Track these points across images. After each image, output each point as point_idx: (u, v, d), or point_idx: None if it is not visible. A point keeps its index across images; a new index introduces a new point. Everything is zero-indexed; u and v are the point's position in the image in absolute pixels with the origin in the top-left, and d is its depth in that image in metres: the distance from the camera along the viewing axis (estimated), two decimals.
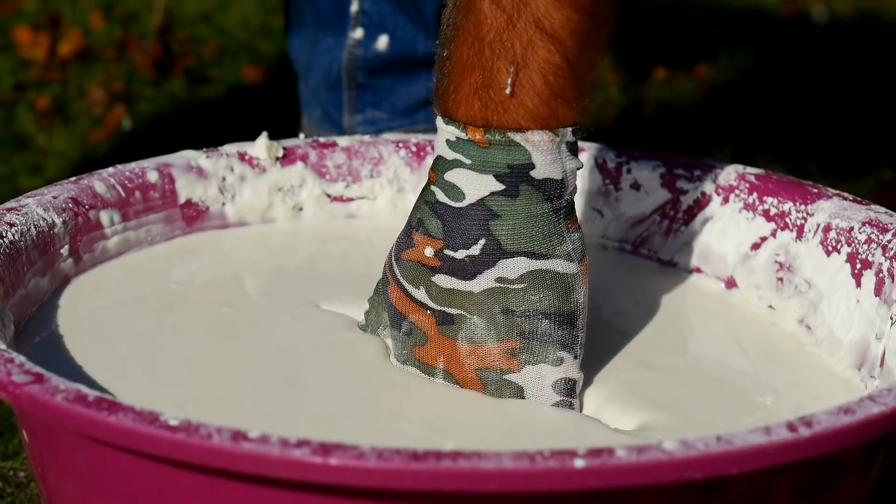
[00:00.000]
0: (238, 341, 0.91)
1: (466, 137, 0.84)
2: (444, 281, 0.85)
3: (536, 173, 0.84)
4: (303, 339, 0.91)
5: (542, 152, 0.83)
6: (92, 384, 0.84)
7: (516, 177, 0.84)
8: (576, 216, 0.86)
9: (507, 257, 0.84)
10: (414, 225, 0.87)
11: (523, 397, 0.86)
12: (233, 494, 0.71)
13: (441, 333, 0.86)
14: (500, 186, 0.84)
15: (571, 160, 0.85)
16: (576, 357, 0.86)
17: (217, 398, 0.84)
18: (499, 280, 0.85)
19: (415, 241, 0.87)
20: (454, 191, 0.85)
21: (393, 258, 0.88)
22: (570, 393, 0.86)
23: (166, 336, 0.91)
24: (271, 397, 0.84)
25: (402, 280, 0.87)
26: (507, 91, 0.82)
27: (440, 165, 0.86)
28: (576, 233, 0.86)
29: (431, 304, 0.86)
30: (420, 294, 0.86)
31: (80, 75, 1.95)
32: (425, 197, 0.87)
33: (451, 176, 0.85)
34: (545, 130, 0.83)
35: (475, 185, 0.84)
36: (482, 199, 0.84)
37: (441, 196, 0.85)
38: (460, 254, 0.85)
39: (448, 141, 0.85)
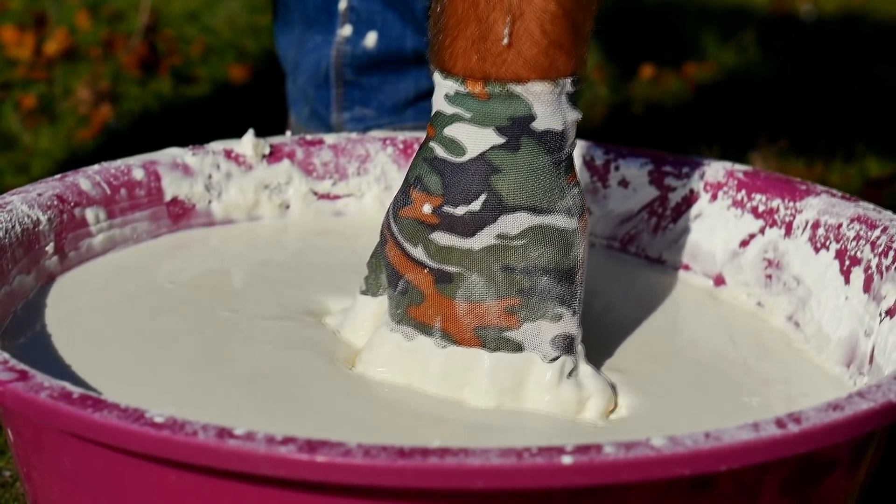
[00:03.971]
0: (228, 341, 0.90)
1: (466, 91, 0.83)
2: (442, 238, 0.84)
3: (538, 125, 0.83)
4: (291, 338, 0.91)
5: (543, 103, 0.83)
6: (82, 384, 0.83)
7: (517, 129, 0.83)
8: (575, 171, 0.85)
9: (508, 213, 0.83)
10: (412, 182, 0.86)
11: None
12: (219, 492, 0.71)
13: (439, 292, 0.85)
14: (501, 140, 0.83)
15: (572, 111, 0.84)
16: (574, 313, 0.85)
17: (212, 399, 0.83)
18: (499, 236, 0.83)
19: (412, 199, 0.85)
20: (454, 146, 0.84)
21: (390, 216, 0.87)
22: (569, 349, 0.85)
23: (156, 336, 0.90)
24: (265, 398, 0.84)
25: (399, 238, 0.86)
26: (505, 42, 0.81)
27: (439, 121, 0.84)
28: (575, 188, 0.85)
29: (429, 262, 0.85)
30: (418, 252, 0.85)
31: (66, 74, 1.94)
32: (423, 153, 0.85)
33: (451, 130, 0.84)
34: (545, 81, 0.82)
35: (475, 140, 0.83)
36: (483, 154, 0.83)
37: (440, 151, 0.84)
38: (460, 210, 0.84)
39: (447, 95, 0.84)
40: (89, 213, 0.99)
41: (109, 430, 0.70)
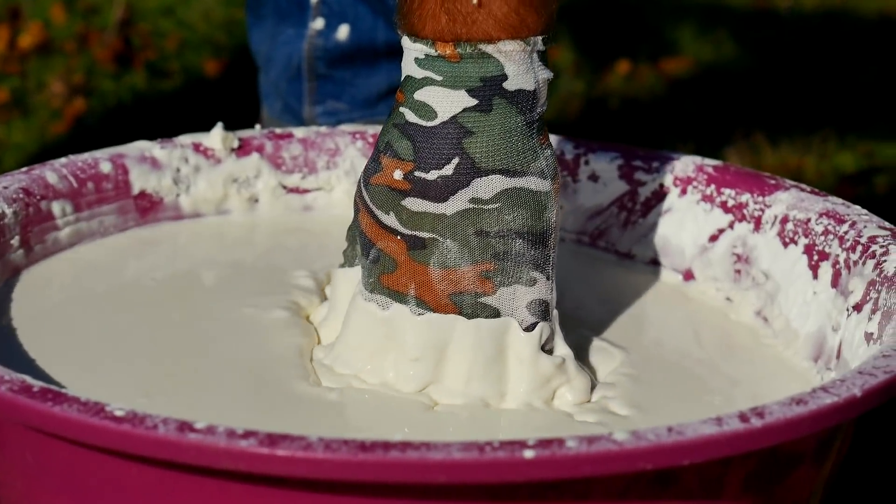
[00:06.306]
0: (198, 336, 0.90)
1: (436, 53, 0.82)
2: (414, 204, 0.83)
3: (509, 84, 0.82)
4: (262, 333, 0.90)
5: (515, 62, 0.82)
6: (47, 379, 0.83)
7: (489, 90, 0.82)
8: (547, 133, 0.85)
9: (481, 176, 0.83)
10: (381, 149, 0.85)
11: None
12: (179, 486, 0.70)
13: (412, 259, 0.84)
14: (472, 101, 0.82)
15: (543, 70, 0.83)
16: (548, 278, 0.85)
17: (179, 397, 0.83)
18: (472, 200, 0.83)
19: (383, 165, 0.84)
20: (425, 109, 0.83)
21: (361, 184, 0.86)
22: (545, 315, 0.85)
23: (124, 331, 0.90)
24: (234, 394, 0.83)
25: (371, 206, 0.85)
26: (475, 1, 0.81)
27: (409, 85, 0.84)
28: (548, 149, 0.84)
29: (402, 229, 0.84)
30: (390, 219, 0.84)
31: (40, 68, 1.94)
32: (393, 119, 0.84)
33: (422, 94, 0.83)
34: (516, 39, 0.82)
35: (447, 102, 0.83)
36: (454, 116, 0.82)
37: (411, 116, 0.83)
38: (432, 175, 0.83)
39: (416, 59, 0.83)
40: (56, 207, 0.99)
41: (69, 423, 0.69)
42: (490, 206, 0.83)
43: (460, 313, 0.84)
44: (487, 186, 0.83)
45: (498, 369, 0.84)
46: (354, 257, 0.89)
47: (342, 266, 0.90)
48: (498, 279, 0.84)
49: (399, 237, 0.84)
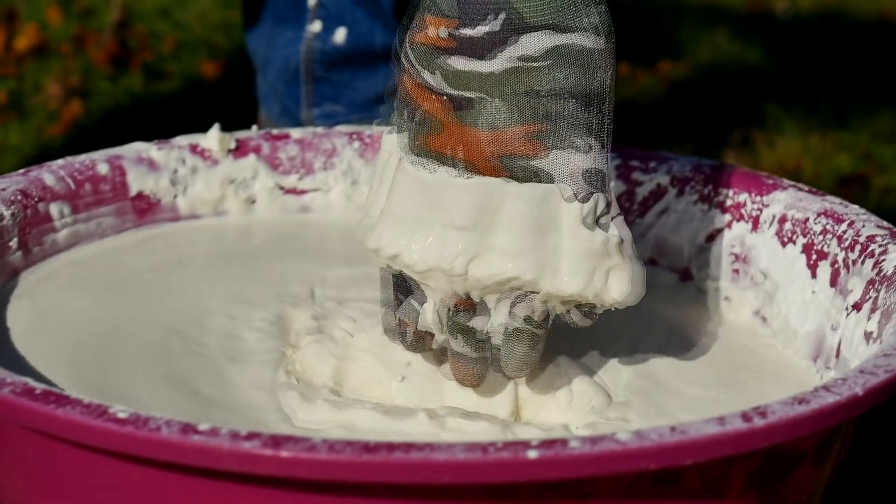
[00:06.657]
0: (196, 339, 0.90)
1: None
2: (460, 62, 0.80)
3: None
4: (259, 339, 0.90)
5: None
6: (47, 382, 0.83)
7: None
8: None
9: (529, 31, 0.79)
10: (425, 6, 0.81)
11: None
12: (183, 488, 0.70)
13: (459, 119, 0.80)
14: None
15: None
16: (603, 146, 0.80)
17: (176, 400, 0.83)
18: (521, 58, 0.79)
19: (426, 23, 0.80)
20: None
21: (406, 45, 0.82)
22: (603, 185, 0.80)
23: (122, 333, 0.90)
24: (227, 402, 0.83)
25: (416, 65, 0.81)
26: None
27: None
28: (602, 4, 0.80)
29: (447, 89, 0.80)
30: (435, 79, 0.80)
31: (37, 70, 1.94)
32: None
33: None
34: None
35: None
36: None
37: None
38: (478, 31, 0.79)
39: None
40: (53, 208, 0.99)
41: (72, 425, 0.69)
42: (540, 64, 0.79)
43: (511, 178, 0.80)
44: (537, 43, 0.79)
45: (552, 242, 0.80)
46: (403, 123, 0.84)
47: (390, 132, 0.85)
48: (550, 141, 0.79)
49: (445, 97, 0.80)
